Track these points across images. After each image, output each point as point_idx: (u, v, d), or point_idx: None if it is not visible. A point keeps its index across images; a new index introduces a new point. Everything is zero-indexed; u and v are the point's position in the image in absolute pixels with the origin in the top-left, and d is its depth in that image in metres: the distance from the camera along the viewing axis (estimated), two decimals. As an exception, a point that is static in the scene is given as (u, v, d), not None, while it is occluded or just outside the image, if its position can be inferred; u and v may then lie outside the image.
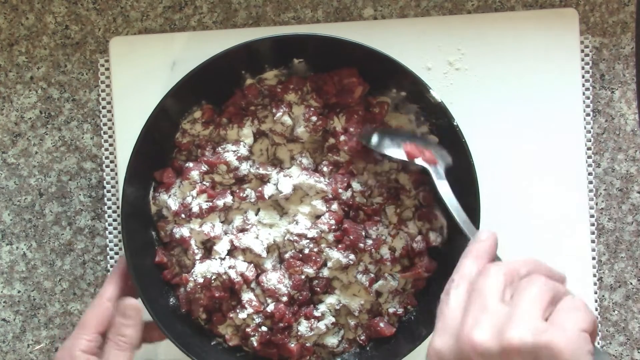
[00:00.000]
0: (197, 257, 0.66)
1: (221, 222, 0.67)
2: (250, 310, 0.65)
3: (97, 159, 0.75)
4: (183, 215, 0.66)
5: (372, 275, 0.66)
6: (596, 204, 0.73)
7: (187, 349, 0.63)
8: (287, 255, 0.66)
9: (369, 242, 0.65)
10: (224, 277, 0.65)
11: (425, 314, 0.66)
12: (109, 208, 0.74)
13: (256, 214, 0.67)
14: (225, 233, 0.67)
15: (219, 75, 0.65)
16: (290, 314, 0.65)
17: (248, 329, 0.66)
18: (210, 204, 0.66)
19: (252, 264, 0.66)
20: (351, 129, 0.65)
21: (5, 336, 0.75)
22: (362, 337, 0.67)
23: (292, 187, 0.65)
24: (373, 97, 0.67)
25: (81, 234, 0.75)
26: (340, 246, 0.65)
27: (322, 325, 0.66)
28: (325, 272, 0.66)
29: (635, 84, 0.73)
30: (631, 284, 0.73)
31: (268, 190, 0.66)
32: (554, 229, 0.71)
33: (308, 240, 0.65)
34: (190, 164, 0.66)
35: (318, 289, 0.66)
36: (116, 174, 0.74)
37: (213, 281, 0.65)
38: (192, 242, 0.66)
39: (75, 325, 0.74)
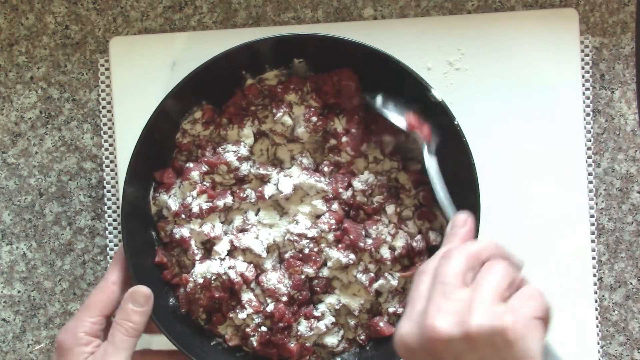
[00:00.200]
0: (197, 257, 0.66)
1: (221, 223, 0.67)
2: (250, 310, 0.65)
3: (97, 159, 0.75)
4: (183, 216, 0.66)
5: (372, 274, 0.66)
6: (596, 204, 0.73)
7: (187, 349, 0.63)
8: (287, 255, 0.66)
9: (369, 241, 0.65)
10: (224, 277, 0.65)
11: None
12: (109, 208, 0.74)
13: (256, 214, 0.67)
14: (225, 233, 0.67)
15: (220, 76, 0.65)
16: (290, 313, 0.65)
17: (248, 329, 0.66)
18: (211, 204, 0.66)
19: (252, 264, 0.66)
20: (353, 130, 0.65)
21: (5, 336, 0.75)
22: (362, 337, 0.67)
23: (292, 187, 0.65)
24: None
25: (81, 234, 0.75)
26: (340, 246, 0.65)
27: (321, 325, 0.66)
28: (325, 272, 0.66)
29: (635, 84, 0.73)
30: (631, 284, 0.73)
31: (268, 190, 0.66)
32: (554, 229, 0.71)
33: (308, 240, 0.65)
34: (191, 165, 0.66)
35: (318, 288, 0.66)
36: (116, 174, 0.74)
37: (213, 281, 0.65)
38: (192, 242, 0.66)
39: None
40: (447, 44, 0.72)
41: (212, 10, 0.74)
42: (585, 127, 0.72)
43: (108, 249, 0.74)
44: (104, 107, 0.74)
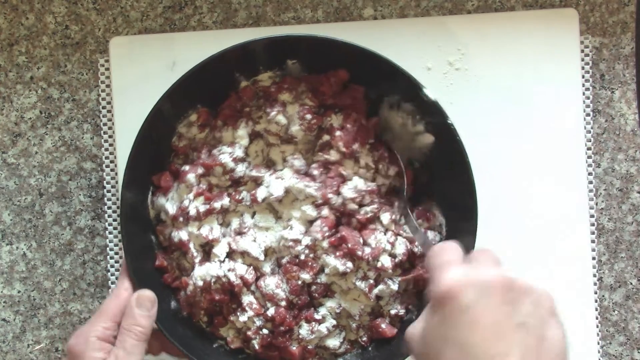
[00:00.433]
0: (196, 260, 0.66)
1: (219, 225, 0.67)
2: (250, 313, 0.65)
3: (97, 159, 0.75)
4: (181, 219, 0.65)
5: (372, 281, 0.65)
6: (596, 204, 0.73)
7: (189, 352, 0.63)
8: (284, 261, 0.65)
9: (367, 250, 0.64)
10: (224, 279, 0.65)
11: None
12: (109, 208, 0.74)
13: (252, 217, 0.67)
14: (224, 236, 0.66)
15: (214, 78, 0.65)
16: (290, 317, 0.65)
17: (249, 332, 0.65)
18: (208, 206, 0.65)
19: (252, 267, 0.66)
20: (348, 126, 0.65)
21: (5, 336, 0.75)
22: (364, 338, 0.67)
23: (283, 189, 0.64)
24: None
25: (81, 234, 0.75)
26: (338, 254, 0.64)
27: (323, 328, 0.66)
28: (323, 278, 0.65)
29: (635, 84, 0.73)
30: (631, 284, 0.73)
31: (261, 193, 0.65)
32: (554, 229, 0.71)
33: (303, 247, 0.64)
34: (187, 167, 0.66)
35: (316, 294, 0.66)
36: (116, 174, 0.74)
37: (213, 284, 0.65)
38: (191, 245, 0.66)
39: (75, 325, 0.74)
40: (447, 44, 0.72)
41: (212, 10, 0.74)
42: (585, 127, 0.72)
43: (108, 249, 0.74)
44: (103, 107, 0.74)
